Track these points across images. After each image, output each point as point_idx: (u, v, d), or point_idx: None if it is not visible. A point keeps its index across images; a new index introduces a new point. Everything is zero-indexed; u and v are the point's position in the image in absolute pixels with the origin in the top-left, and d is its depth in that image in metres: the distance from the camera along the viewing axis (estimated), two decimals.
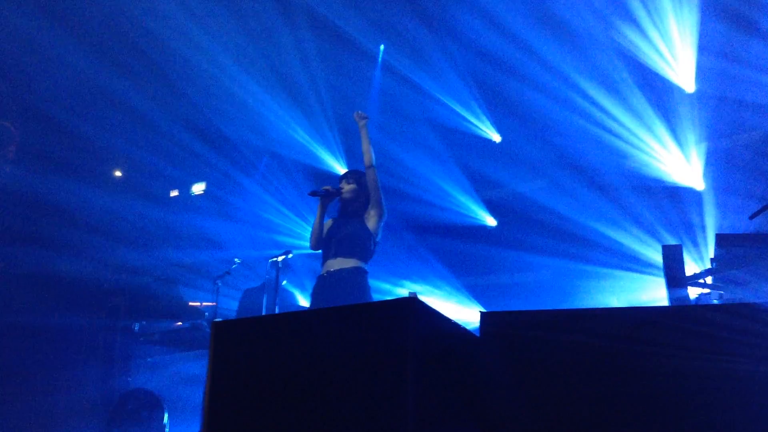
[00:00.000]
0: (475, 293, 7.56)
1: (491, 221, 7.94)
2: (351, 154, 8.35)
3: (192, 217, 9.34)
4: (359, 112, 4.92)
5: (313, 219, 4.90)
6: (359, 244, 4.61)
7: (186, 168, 9.45)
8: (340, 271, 4.53)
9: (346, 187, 4.81)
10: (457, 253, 7.78)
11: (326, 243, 4.73)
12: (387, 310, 1.90)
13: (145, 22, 7.71)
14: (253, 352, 2.08)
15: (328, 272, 4.59)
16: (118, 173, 9.83)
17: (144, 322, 6.23)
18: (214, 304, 5.98)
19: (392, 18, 7.84)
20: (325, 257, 4.69)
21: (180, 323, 6.47)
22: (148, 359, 6.10)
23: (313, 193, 4.81)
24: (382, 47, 8.27)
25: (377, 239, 4.70)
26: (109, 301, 6.03)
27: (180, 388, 5.66)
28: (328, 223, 4.86)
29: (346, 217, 4.78)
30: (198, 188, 9.77)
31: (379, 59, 8.25)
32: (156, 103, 8.77)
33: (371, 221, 4.67)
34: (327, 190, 4.81)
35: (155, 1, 7.56)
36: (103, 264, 8.25)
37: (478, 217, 7.95)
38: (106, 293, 6.31)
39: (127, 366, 5.73)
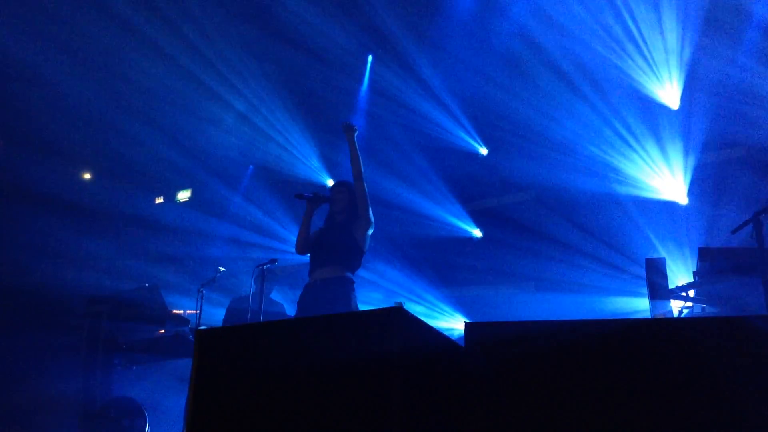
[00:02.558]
0: (461, 305, 7.57)
1: (477, 233, 7.97)
2: (336, 165, 8.37)
3: (177, 224, 9.29)
4: (347, 123, 4.92)
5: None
6: (346, 254, 4.62)
7: (171, 175, 9.42)
8: (328, 280, 4.53)
9: (338, 197, 4.81)
10: (443, 264, 7.80)
11: (314, 252, 4.74)
12: (372, 319, 1.90)
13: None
14: (237, 361, 2.07)
15: (315, 281, 4.60)
16: (91, 177, 9.78)
17: (127, 330, 6.18)
18: (198, 312, 5.94)
19: (377, 29, 7.89)
20: (313, 266, 4.69)
21: (163, 331, 6.42)
22: (131, 367, 6.05)
23: (299, 196, 4.83)
24: (370, 58, 8.31)
25: (364, 250, 4.71)
26: (91, 308, 5.96)
27: (162, 396, 5.62)
28: (315, 232, 4.86)
29: (334, 227, 4.79)
30: (183, 195, 9.74)
31: (367, 70, 8.29)
32: (140, 110, 8.74)
33: (359, 232, 4.68)
34: (315, 194, 4.84)
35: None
36: (85, 270, 8.19)
37: (464, 228, 7.97)
38: (88, 300, 6.24)
39: (108, 374, 5.67)
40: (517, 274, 7.20)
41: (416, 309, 7.26)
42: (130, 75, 8.40)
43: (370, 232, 4.73)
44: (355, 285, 4.62)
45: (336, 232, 4.72)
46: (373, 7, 7.68)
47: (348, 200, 4.79)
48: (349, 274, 4.59)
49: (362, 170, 4.76)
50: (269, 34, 8.12)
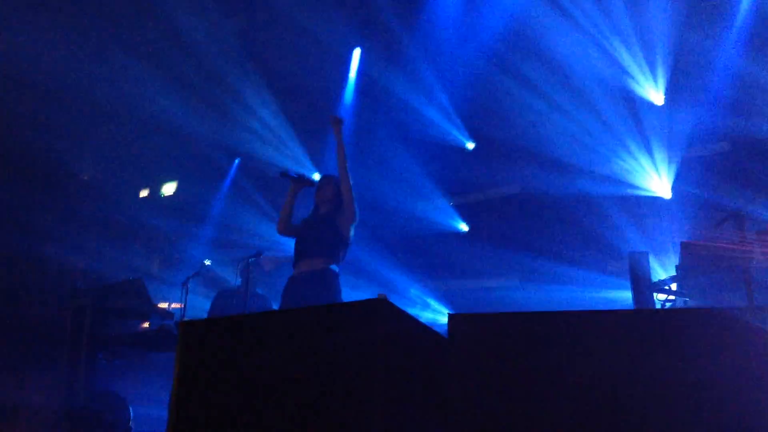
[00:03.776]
0: (447, 298, 7.59)
1: (463, 227, 7.98)
2: (321, 156, 8.35)
3: (162, 217, 9.24)
4: (334, 115, 4.92)
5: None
6: (331, 246, 4.62)
7: (157, 168, 9.36)
8: (312, 272, 4.53)
9: (324, 189, 4.82)
10: (429, 258, 7.81)
11: (298, 244, 4.74)
12: (356, 310, 1.90)
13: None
14: (221, 353, 2.06)
15: (299, 273, 4.60)
16: (84, 172, 9.70)
17: (110, 323, 6.13)
18: (183, 305, 5.92)
19: (364, 21, 7.88)
20: (297, 259, 4.69)
21: (147, 325, 6.38)
22: (115, 361, 6.01)
23: (284, 174, 4.85)
24: (357, 50, 8.30)
25: (349, 242, 4.72)
26: (74, 302, 5.91)
27: (146, 390, 5.59)
28: (300, 224, 4.86)
29: (319, 219, 4.79)
30: (169, 188, 9.68)
31: (354, 62, 8.28)
32: (124, 101, 8.67)
33: (343, 224, 4.68)
34: (300, 176, 4.85)
35: None
36: (69, 264, 8.13)
37: (450, 222, 7.99)
38: (72, 293, 6.19)
39: (92, 368, 5.62)
40: (502, 268, 7.23)
41: (402, 302, 7.26)
42: (116, 64, 8.33)
43: (355, 224, 4.73)
44: (339, 277, 4.62)
45: (320, 224, 4.72)
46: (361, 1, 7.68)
47: (333, 192, 4.79)
48: (333, 267, 4.59)
49: (347, 162, 4.76)
50: (256, 27, 8.09)
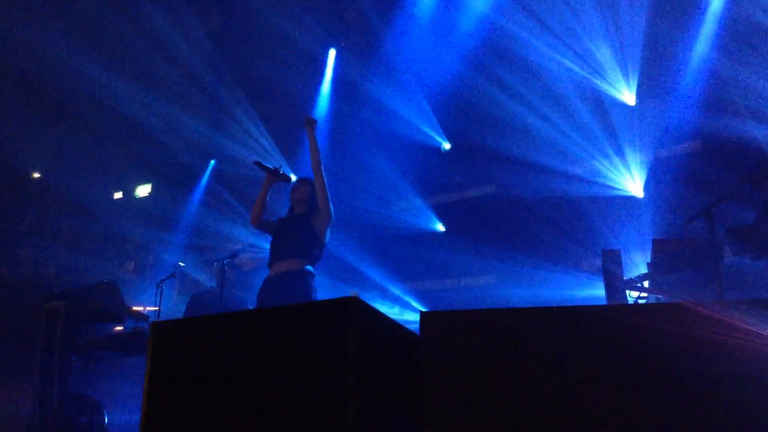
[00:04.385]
0: (423, 298, 7.61)
1: (440, 227, 8.01)
2: (297, 157, 8.32)
3: (136, 220, 9.15)
4: (307, 116, 4.93)
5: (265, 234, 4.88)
6: (306, 247, 4.62)
7: (130, 171, 9.26)
8: (287, 273, 4.52)
9: (299, 190, 4.83)
10: (406, 258, 7.83)
11: (273, 244, 4.73)
12: (328, 309, 1.90)
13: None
14: (193, 352, 2.05)
15: (275, 274, 4.60)
16: (41, 175, 9.57)
17: (84, 327, 6.06)
18: (158, 308, 5.86)
19: (339, 21, 7.87)
20: (272, 259, 4.68)
21: (122, 328, 6.31)
22: (89, 364, 5.93)
23: (259, 164, 4.85)
24: (332, 51, 8.29)
25: (324, 242, 4.72)
26: (47, 306, 5.83)
27: (121, 393, 5.54)
28: (276, 223, 4.85)
29: (294, 219, 4.79)
30: (143, 190, 9.58)
31: (329, 62, 8.27)
32: (101, 102, 8.57)
33: (319, 225, 4.69)
34: (275, 168, 4.84)
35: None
36: (42, 267, 8.01)
37: (427, 222, 8.01)
38: (45, 297, 6.11)
39: (66, 371, 5.55)
40: (479, 267, 7.27)
41: (379, 303, 7.28)
42: (88, 66, 8.23)
43: (330, 224, 4.74)
44: (315, 278, 4.61)
45: (296, 224, 4.72)
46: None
47: (308, 193, 4.81)
48: (308, 267, 4.59)
49: (321, 162, 4.75)
50: (229, 28, 8.05)
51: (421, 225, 8.00)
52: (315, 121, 4.91)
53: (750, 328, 1.88)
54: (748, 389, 1.82)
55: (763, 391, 1.80)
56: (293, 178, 4.99)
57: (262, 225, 4.87)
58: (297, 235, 4.63)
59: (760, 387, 1.81)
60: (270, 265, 4.67)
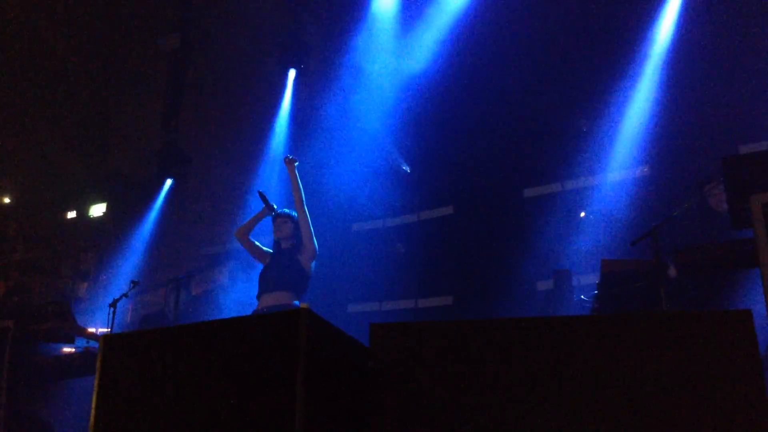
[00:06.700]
0: (383, 318, 7.61)
1: (399, 247, 8.05)
2: (252, 174, 8.27)
3: (90, 238, 8.99)
4: (288, 156, 5.09)
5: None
6: (294, 280, 4.81)
7: (85, 187, 9.12)
8: (276, 306, 4.66)
9: (282, 227, 4.99)
10: (365, 278, 7.83)
11: (262, 279, 4.89)
12: (278, 320, 1.93)
13: None
14: (143, 366, 2.05)
15: (263, 307, 4.74)
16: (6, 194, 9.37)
17: (34, 348, 5.93)
18: (110, 329, 5.76)
19: (302, 39, 7.94)
20: (261, 291, 4.83)
21: (73, 350, 6.19)
22: (39, 385, 5.80)
23: (263, 197, 5.07)
24: (292, 72, 8.33)
25: (310, 275, 4.92)
26: None
27: (71, 414, 5.42)
28: (260, 249, 5.07)
29: (281, 254, 4.96)
30: (98, 209, 9.43)
31: (288, 84, 8.31)
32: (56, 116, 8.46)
33: (305, 260, 4.89)
34: (273, 208, 5.05)
35: None
36: None
37: (386, 243, 8.04)
38: None
39: (15, 392, 5.42)
40: (436, 288, 7.34)
41: (339, 322, 7.24)
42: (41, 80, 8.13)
43: (315, 258, 4.96)
44: None
45: (283, 258, 4.91)
46: (295, 21, 7.74)
47: (292, 230, 4.98)
48: (296, 300, 4.77)
49: (304, 200, 4.92)
50: (189, 47, 8.05)
51: (380, 246, 8.02)
52: (295, 160, 5.08)
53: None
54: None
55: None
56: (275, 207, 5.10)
57: (243, 239, 5.09)
58: (286, 269, 4.82)
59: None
60: (258, 297, 4.83)
